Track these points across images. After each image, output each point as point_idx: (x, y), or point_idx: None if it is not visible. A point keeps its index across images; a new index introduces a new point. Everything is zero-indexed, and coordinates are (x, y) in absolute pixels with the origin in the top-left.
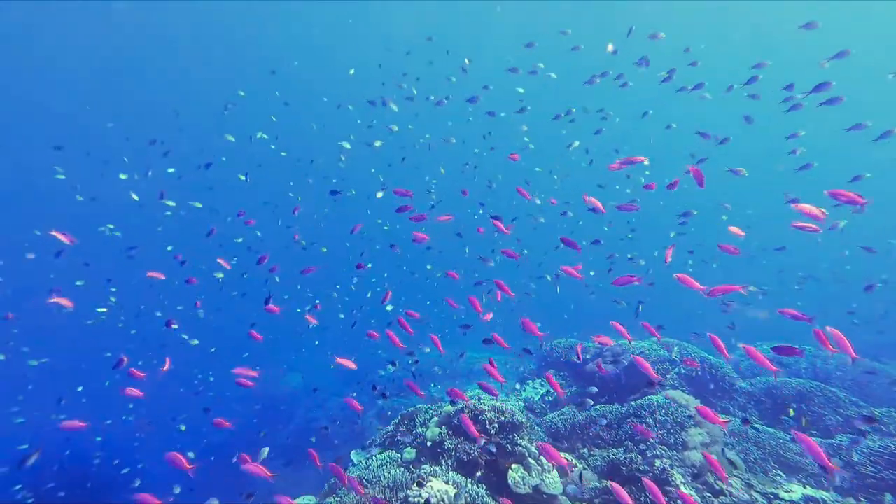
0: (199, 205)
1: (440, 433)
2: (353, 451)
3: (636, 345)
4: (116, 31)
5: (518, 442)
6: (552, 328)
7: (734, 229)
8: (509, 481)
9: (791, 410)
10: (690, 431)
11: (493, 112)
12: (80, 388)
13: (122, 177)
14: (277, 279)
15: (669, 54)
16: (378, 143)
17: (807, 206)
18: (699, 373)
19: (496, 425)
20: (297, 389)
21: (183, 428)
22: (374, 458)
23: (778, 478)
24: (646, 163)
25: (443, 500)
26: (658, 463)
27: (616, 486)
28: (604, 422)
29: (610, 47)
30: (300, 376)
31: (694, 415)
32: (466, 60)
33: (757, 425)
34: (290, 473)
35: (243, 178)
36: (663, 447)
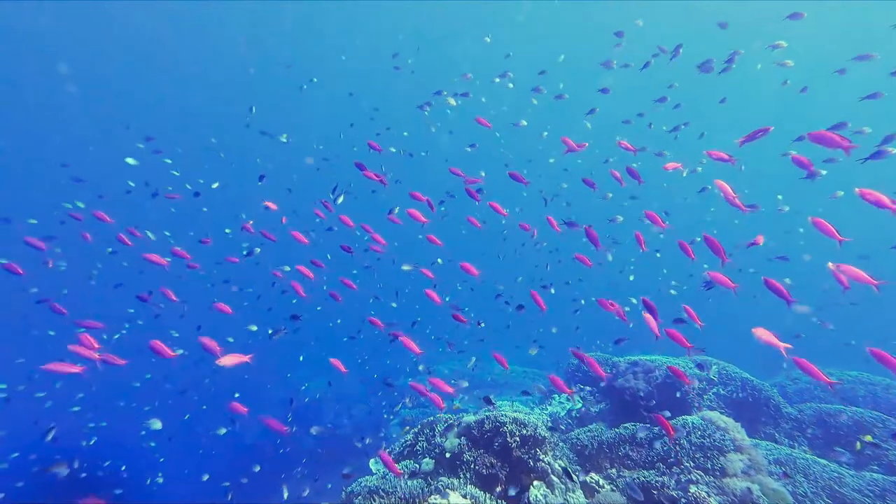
0: (250, 216)
1: (459, 444)
2: (372, 461)
3: (669, 361)
4: (117, 32)
5: (540, 457)
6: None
7: (720, 182)
8: (531, 499)
9: (860, 443)
10: (730, 457)
11: (561, 95)
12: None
13: (130, 161)
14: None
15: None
16: (393, 149)
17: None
18: (740, 394)
19: (517, 439)
20: (322, 396)
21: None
22: None
23: None
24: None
25: None
26: (693, 489)
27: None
28: (658, 444)
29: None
30: (326, 382)
31: (735, 438)
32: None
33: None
34: (312, 482)
35: (260, 182)
36: (699, 472)
